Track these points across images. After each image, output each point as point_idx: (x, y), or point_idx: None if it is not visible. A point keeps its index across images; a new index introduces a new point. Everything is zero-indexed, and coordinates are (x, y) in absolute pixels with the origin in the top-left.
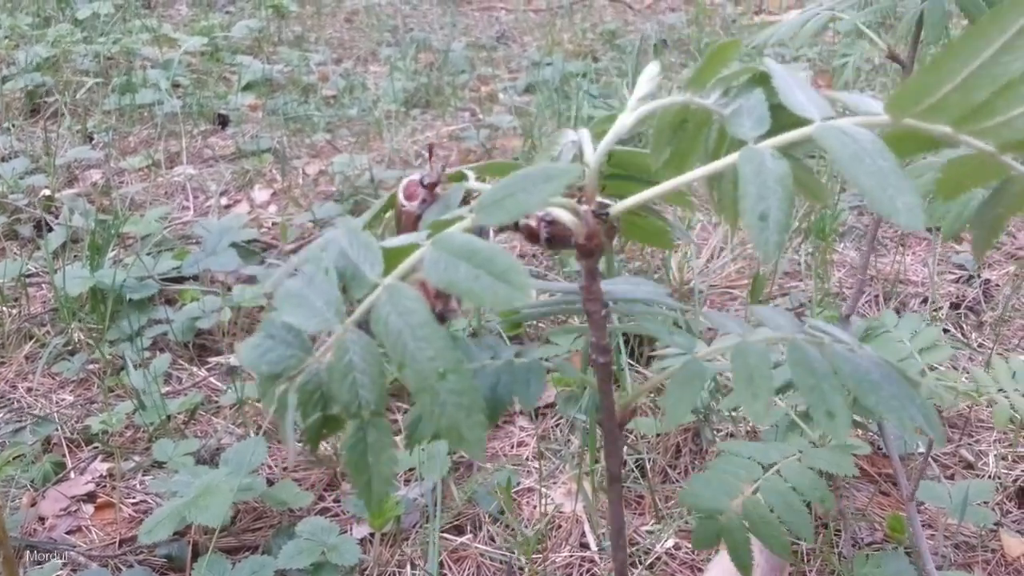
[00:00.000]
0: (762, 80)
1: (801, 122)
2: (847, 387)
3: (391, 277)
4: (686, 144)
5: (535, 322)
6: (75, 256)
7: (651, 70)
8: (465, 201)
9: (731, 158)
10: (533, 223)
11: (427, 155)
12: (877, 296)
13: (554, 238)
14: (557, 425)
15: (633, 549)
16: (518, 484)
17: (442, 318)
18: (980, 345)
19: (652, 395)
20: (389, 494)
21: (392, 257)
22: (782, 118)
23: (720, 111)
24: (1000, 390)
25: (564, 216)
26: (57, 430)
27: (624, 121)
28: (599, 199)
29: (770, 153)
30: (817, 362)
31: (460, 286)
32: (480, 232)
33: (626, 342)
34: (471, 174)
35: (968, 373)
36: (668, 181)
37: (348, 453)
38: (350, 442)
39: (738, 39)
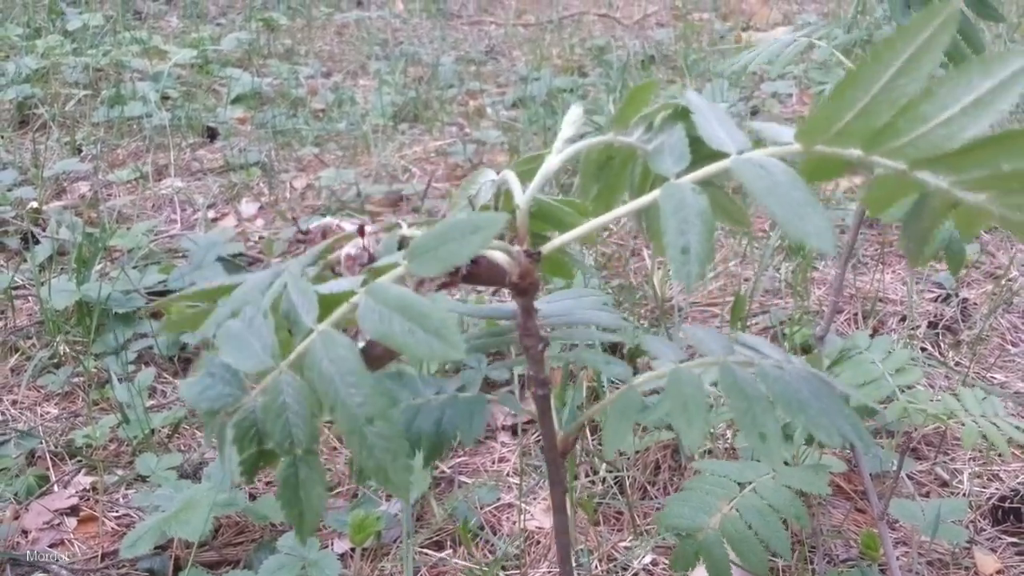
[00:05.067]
0: (683, 114)
1: (722, 154)
2: (778, 406)
3: (325, 323)
4: (613, 180)
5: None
6: (61, 269)
7: (574, 113)
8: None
9: (653, 195)
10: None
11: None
12: (856, 314)
13: (472, 275)
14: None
15: (611, 565)
16: (498, 500)
17: None
18: (957, 364)
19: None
20: (318, 526)
21: (328, 304)
22: (703, 149)
23: (643, 147)
24: (968, 414)
25: (498, 256)
26: (41, 443)
27: (551, 163)
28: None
29: (691, 188)
30: (748, 385)
31: (396, 340)
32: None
33: None
34: (404, 223)
35: (944, 393)
36: (596, 218)
37: (281, 488)
38: (283, 476)
39: (654, 80)
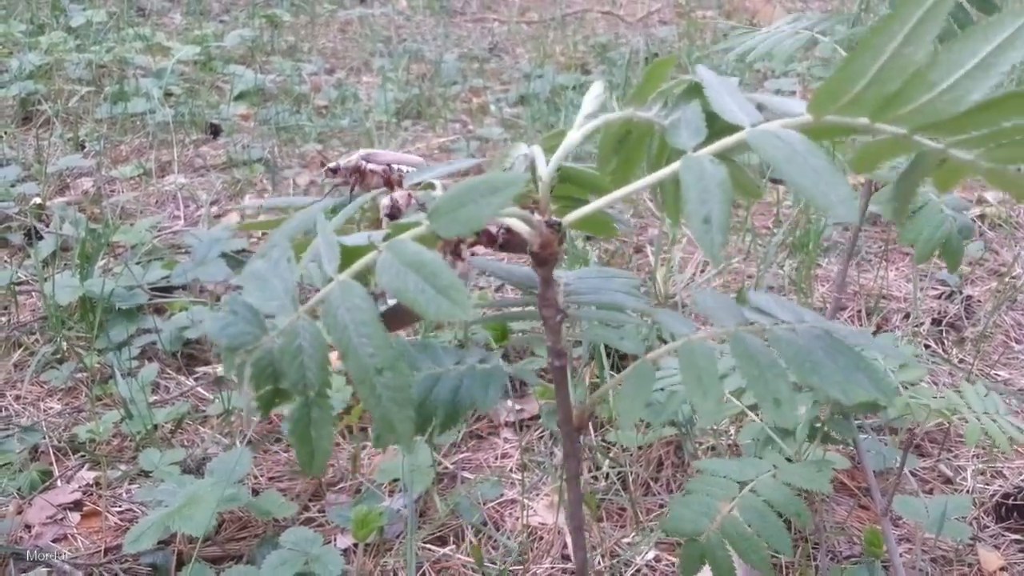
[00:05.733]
0: (698, 90)
1: (735, 127)
2: (791, 370)
3: (345, 274)
4: (631, 153)
5: (522, 334)
6: (65, 265)
7: (595, 89)
8: None
9: (673, 167)
10: (493, 229)
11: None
12: (860, 311)
13: (508, 243)
14: (541, 437)
15: (614, 561)
16: (501, 496)
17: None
18: (961, 361)
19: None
20: (326, 464)
21: (350, 255)
22: (718, 124)
23: (660, 122)
24: (971, 410)
25: (519, 226)
26: (44, 438)
27: (572, 137)
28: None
29: (709, 160)
30: (760, 352)
31: (408, 295)
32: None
33: (607, 350)
34: (439, 183)
35: (947, 389)
36: (616, 191)
37: (293, 426)
38: (295, 416)
39: (673, 56)
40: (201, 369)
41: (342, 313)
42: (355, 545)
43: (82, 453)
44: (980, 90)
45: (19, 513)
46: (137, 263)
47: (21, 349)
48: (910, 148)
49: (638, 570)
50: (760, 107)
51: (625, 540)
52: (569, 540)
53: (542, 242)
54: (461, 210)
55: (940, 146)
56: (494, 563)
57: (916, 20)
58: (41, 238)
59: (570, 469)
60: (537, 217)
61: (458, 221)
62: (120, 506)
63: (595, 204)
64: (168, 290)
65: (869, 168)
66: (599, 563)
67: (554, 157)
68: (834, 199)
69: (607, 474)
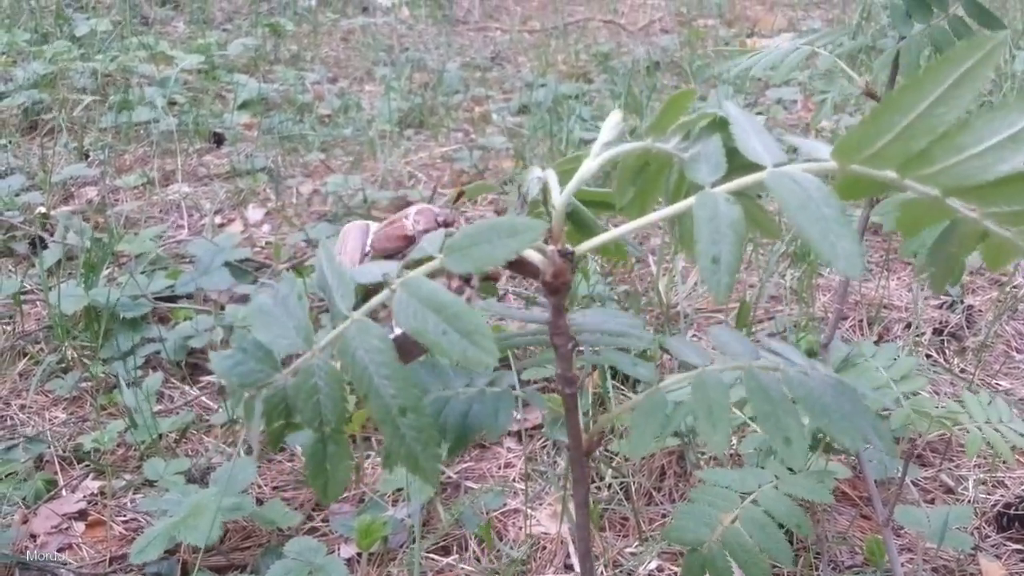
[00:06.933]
0: (721, 125)
1: (757, 165)
2: (801, 411)
3: (360, 312)
4: (648, 185)
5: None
6: (70, 274)
7: (614, 118)
8: None
9: (688, 201)
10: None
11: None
12: (861, 321)
13: (515, 264)
14: (544, 447)
15: (617, 571)
16: (504, 505)
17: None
18: (962, 371)
19: None
20: (342, 493)
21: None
22: (739, 160)
23: (680, 155)
24: (972, 420)
25: (532, 255)
26: (49, 448)
27: (589, 166)
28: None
29: (724, 198)
30: (773, 389)
31: (429, 337)
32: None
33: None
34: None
35: (949, 399)
36: (632, 222)
37: (309, 460)
38: (311, 451)
39: (693, 89)
40: (206, 378)
41: (361, 354)
42: (359, 555)
43: (87, 463)
44: (1009, 162)
45: (24, 523)
46: (141, 272)
47: (26, 358)
48: (945, 213)
49: None
50: (787, 147)
51: (628, 550)
52: (572, 550)
53: (555, 271)
54: (475, 248)
55: (975, 215)
56: (497, 573)
57: (952, 82)
58: (46, 247)
59: (578, 496)
60: (551, 247)
61: (472, 258)
62: (125, 516)
63: (610, 234)
64: (172, 299)
65: (912, 231)
66: (602, 573)
67: (568, 187)
68: (839, 253)
69: (610, 484)
